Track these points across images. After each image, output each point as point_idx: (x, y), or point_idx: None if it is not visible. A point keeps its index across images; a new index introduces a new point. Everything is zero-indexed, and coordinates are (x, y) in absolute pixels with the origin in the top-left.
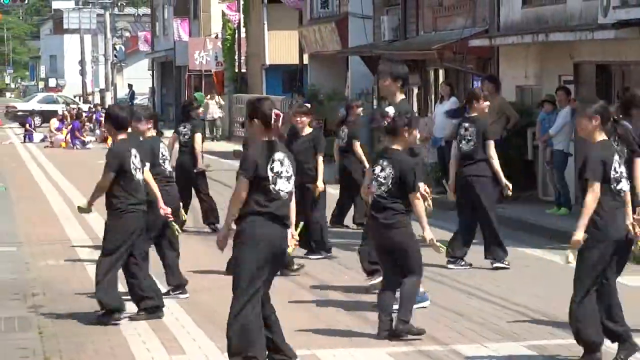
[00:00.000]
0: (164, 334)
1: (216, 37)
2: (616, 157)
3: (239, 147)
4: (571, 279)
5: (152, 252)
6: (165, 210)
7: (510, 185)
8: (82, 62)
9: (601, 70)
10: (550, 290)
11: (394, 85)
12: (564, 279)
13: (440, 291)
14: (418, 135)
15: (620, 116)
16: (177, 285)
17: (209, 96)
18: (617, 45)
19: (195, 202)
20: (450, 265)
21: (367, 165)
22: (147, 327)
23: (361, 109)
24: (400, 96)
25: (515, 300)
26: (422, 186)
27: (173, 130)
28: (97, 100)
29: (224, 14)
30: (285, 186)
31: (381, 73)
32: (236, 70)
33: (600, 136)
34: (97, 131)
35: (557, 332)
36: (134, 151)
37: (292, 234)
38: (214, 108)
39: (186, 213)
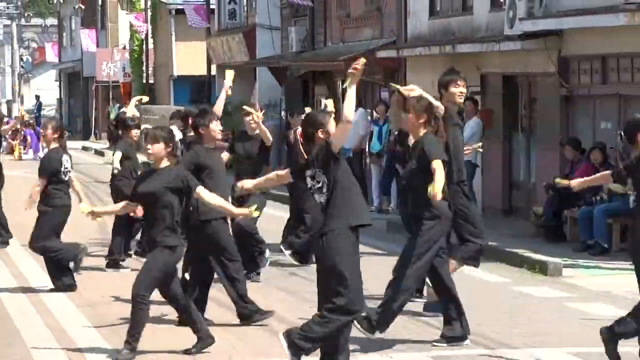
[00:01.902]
0: (68, 343)
1: (124, 48)
2: None
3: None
4: (476, 292)
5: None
6: None
7: None
8: None
9: (508, 81)
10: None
11: None
12: (469, 290)
13: None
14: None
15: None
16: None
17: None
18: (523, 57)
19: None
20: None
21: None
22: (51, 338)
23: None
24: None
25: (419, 311)
26: None
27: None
28: (4, 111)
29: (131, 25)
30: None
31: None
32: (144, 81)
33: None
34: (4, 143)
35: (462, 342)
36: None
37: None
38: None
39: None
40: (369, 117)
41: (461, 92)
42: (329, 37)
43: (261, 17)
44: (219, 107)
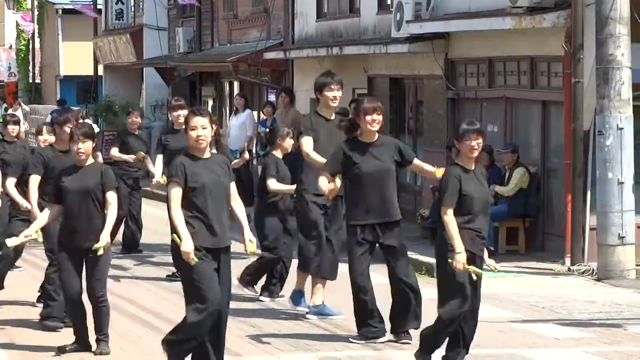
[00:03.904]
0: None
1: (10, 47)
2: None
3: None
4: None
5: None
6: None
7: None
8: None
9: (394, 83)
10: (344, 302)
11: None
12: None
13: (233, 303)
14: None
15: None
16: None
17: (13, 106)
18: (410, 59)
19: None
20: None
21: None
22: None
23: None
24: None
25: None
26: None
27: None
28: None
29: (18, 24)
30: None
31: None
32: (30, 81)
33: None
34: None
35: (349, 344)
36: None
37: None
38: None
39: None
40: (256, 119)
41: (334, 97)
42: (216, 38)
43: (148, 18)
44: None
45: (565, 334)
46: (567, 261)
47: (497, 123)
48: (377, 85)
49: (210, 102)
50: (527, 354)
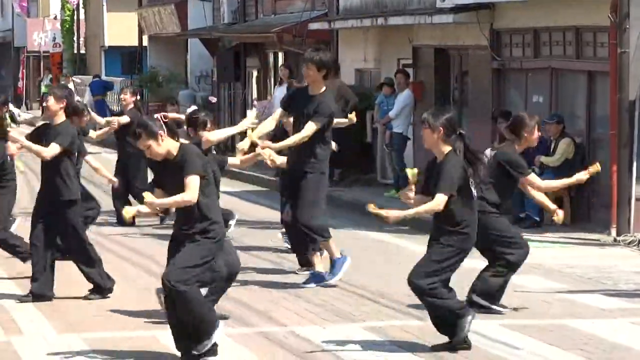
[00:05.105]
0: (2, 315)
1: (55, 18)
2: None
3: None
4: (409, 261)
5: None
6: None
7: None
8: None
9: (439, 54)
10: (388, 272)
11: (318, 74)
12: (401, 261)
13: (278, 273)
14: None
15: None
16: None
17: (64, 79)
18: (455, 30)
19: None
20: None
21: None
22: None
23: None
24: (323, 87)
25: (353, 283)
26: None
27: None
28: None
29: None
30: None
31: (306, 60)
32: (75, 52)
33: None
34: None
35: (394, 314)
36: None
37: None
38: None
39: None
40: None
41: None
42: (261, 9)
43: None
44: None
45: (611, 305)
46: (613, 232)
47: (542, 93)
48: (422, 55)
49: (255, 73)
50: (572, 324)
